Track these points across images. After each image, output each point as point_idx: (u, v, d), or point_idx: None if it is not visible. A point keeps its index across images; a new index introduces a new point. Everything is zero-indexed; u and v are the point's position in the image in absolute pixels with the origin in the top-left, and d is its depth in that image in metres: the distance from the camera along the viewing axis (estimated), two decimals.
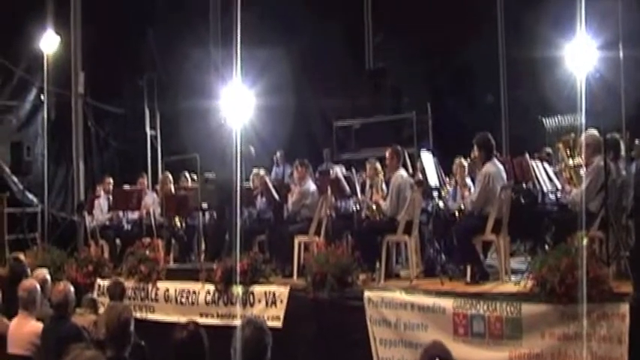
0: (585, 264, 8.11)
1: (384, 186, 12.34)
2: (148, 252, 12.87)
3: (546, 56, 15.63)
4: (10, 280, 10.12)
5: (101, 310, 10.20)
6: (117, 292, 9.96)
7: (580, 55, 12.46)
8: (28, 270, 10.91)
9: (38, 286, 8.40)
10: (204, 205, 13.55)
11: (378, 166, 12.61)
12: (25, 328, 8.00)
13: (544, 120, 17.25)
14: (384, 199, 11.62)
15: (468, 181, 12.28)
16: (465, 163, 12.33)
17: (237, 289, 11.33)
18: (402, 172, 11.41)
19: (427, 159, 11.57)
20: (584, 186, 9.53)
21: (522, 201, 11.80)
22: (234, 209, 11.28)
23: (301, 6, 19.89)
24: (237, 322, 8.24)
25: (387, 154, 11.61)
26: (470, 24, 18.44)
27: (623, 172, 10.03)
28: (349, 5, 21.56)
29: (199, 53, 18.36)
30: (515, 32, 18.42)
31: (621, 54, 10.29)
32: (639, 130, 12.75)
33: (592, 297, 8.08)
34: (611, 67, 11.32)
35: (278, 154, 18.14)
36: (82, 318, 8.87)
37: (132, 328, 6.30)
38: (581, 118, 10.09)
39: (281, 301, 10.84)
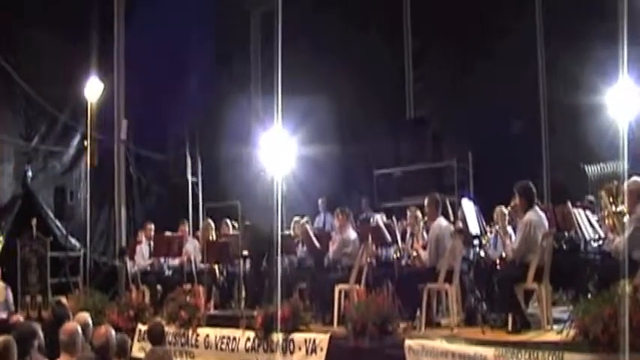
0: (629, 312, 7.99)
1: (424, 234, 12.33)
2: (188, 298, 12.93)
3: (588, 102, 15.52)
4: (53, 324, 10.17)
5: (136, 354, 10.19)
6: (157, 334, 9.94)
7: (623, 101, 12.39)
8: (70, 313, 10.99)
9: (80, 329, 8.41)
10: (245, 253, 13.59)
11: (419, 214, 12.62)
12: None
13: (586, 167, 17.11)
14: (425, 247, 11.60)
15: (509, 229, 12.20)
16: (506, 211, 12.26)
17: (278, 337, 11.31)
18: (442, 220, 11.39)
19: (468, 207, 11.50)
20: (627, 233, 9.40)
21: (564, 249, 11.68)
22: (275, 257, 11.30)
23: (342, 54, 20.04)
24: None
25: (426, 203, 11.63)
26: (510, 69, 18.43)
27: None
28: (390, 54, 21.66)
29: (241, 100, 18.56)
30: (557, 77, 18.34)
31: None
32: None
33: (637, 346, 7.92)
34: None
35: (320, 201, 18.19)
36: None
37: None
38: (624, 165, 10.01)
39: (321, 349, 10.80)
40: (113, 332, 8.27)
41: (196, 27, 19.91)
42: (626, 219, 9.77)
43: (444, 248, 10.98)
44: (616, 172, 13.84)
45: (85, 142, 18.28)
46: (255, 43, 19.73)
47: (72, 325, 8.50)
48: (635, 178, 9.67)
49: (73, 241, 18.22)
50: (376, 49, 20.71)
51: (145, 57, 18.97)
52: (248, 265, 13.96)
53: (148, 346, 10.02)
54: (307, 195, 18.69)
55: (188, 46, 19.98)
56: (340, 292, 11.83)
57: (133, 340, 12.73)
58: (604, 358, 8.17)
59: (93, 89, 17.56)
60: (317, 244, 13.17)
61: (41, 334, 8.87)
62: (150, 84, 19.35)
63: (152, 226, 15.87)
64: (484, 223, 11.87)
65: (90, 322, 9.89)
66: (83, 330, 8.77)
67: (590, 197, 13.87)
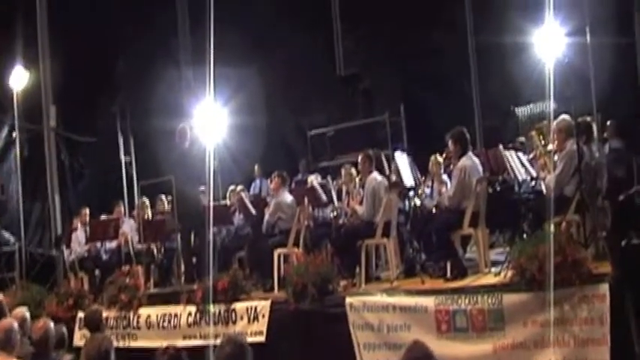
0: (562, 248, 8.07)
1: (360, 191, 12.27)
2: (127, 279, 12.72)
3: (515, 42, 15.61)
4: None
5: (77, 342, 10.03)
6: (94, 321, 9.75)
7: (549, 42, 12.49)
8: (7, 310, 10.75)
9: (16, 325, 8.19)
10: (181, 227, 13.39)
11: (353, 171, 12.59)
12: None
13: (516, 110, 17.24)
14: (360, 203, 11.54)
15: (445, 177, 12.21)
16: (441, 160, 12.25)
17: (212, 308, 11.18)
18: (376, 175, 11.34)
19: (401, 159, 11.52)
20: (557, 171, 9.50)
21: (499, 192, 11.72)
22: (207, 229, 11.16)
23: (271, 21, 19.82)
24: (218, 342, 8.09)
25: (360, 160, 11.58)
26: (437, 14, 18.45)
27: (597, 155, 10.05)
28: (318, 15, 21.50)
29: (171, 74, 18.30)
30: (484, 18, 18.40)
31: (589, 39, 10.35)
32: (609, 112, 12.81)
33: (571, 280, 8.06)
34: (579, 52, 11.36)
35: (256, 167, 18.04)
36: None
37: (112, 358, 6.20)
38: (551, 105, 10.09)
39: (263, 316, 10.69)
40: (52, 324, 8.10)
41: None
42: (556, 157, 9.83)
43: (381, 201, 10.93)
44: (545, 113, 13.99)
45: (14, 134, 17.91)
46: (182, 13, 19.40)
47: (7, 322, 8.28)
48: (562, 116, 9.80)
49: (7, 235, 17.84)
50: (304, 11, 20.52)
51: (70, 38, 18.59)
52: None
53: (88, 334, 9.85)
54: (241, 164, 18.56)
55: (114, 20, 19.59)
56: (279, 256, 11.74)
57: (74, 328, 12.52)
58: (540, 296, 8.22)
59: (18, 78, 17.14)
60: (253, 210, 13.04)
61: None
62: (76, 65, 18.98)
63: (87, 211, 15.57)
64: (419, 173, 11.86)
65: (27, 316, 9.66)
66: (21, 325, 8.56)
67: (522, 138, 14.03)
